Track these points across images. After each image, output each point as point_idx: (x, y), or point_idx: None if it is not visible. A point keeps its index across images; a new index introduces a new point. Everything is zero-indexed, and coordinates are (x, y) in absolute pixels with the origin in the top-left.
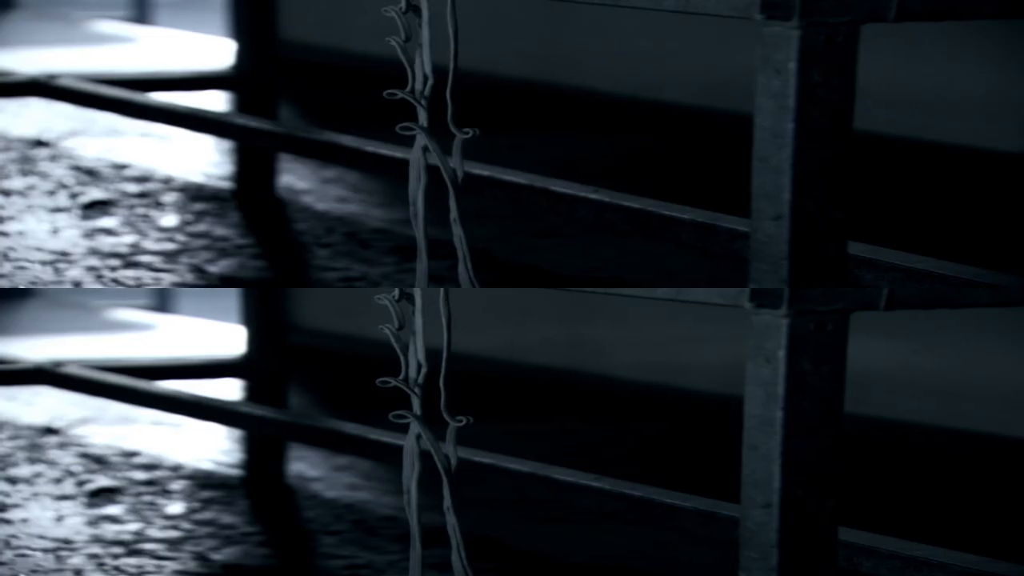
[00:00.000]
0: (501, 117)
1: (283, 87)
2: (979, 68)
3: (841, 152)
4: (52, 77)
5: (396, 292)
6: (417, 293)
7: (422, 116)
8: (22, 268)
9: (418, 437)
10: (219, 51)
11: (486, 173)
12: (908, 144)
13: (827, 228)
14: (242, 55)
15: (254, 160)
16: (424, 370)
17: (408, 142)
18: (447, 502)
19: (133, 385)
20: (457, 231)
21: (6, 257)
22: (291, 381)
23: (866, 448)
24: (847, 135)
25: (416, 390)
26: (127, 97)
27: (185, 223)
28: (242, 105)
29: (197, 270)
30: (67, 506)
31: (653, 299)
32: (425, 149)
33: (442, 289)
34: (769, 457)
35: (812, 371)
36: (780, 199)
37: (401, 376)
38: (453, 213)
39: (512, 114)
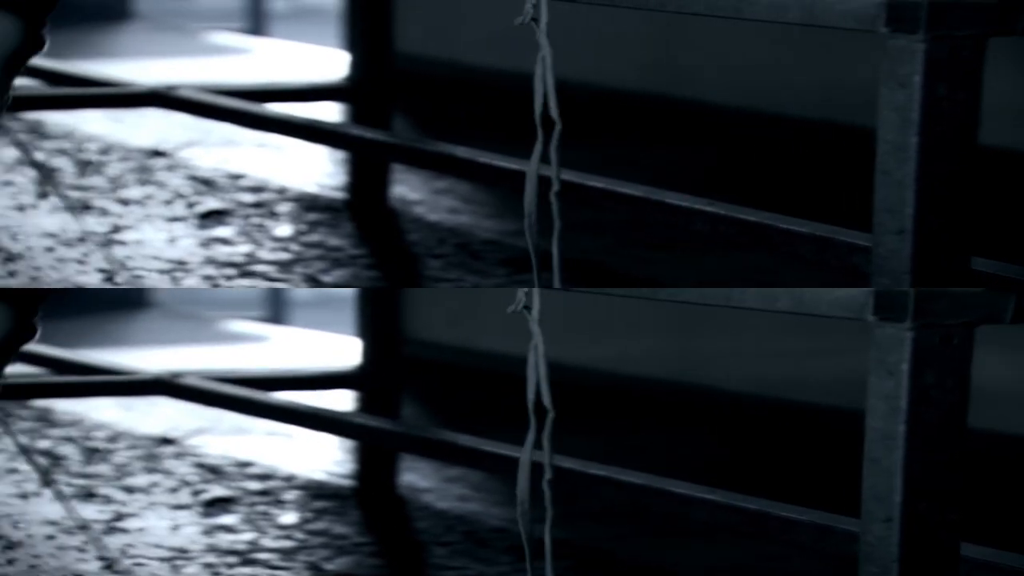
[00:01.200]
0: (617, 129)
1: (397, 98)
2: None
3: (966, 166)
4: (170, 88)
5: (527, 291)
6: (535, 293)
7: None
8: (139, 277)
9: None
10: (334, 63)
11: (601, 185)
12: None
13: (950, 242)
14: (357, 67)
15: (368, 171)
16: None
17: (521, 153)
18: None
19: (248, 396)
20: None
21: (124, 266)
22: (404, 392)
23: (988, 462)
24: (972, 149)
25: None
26: (243, 108)
27: (299, 233)
28: (356, 116)
29: (311, 280)
30: (183, 515)
31: (773, 311)
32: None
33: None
34: (891, 471)
35: (936, 385)
36: (903, 213)
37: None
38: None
39: (628, 126)
